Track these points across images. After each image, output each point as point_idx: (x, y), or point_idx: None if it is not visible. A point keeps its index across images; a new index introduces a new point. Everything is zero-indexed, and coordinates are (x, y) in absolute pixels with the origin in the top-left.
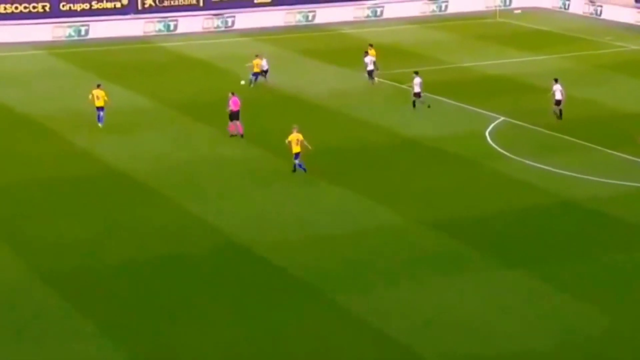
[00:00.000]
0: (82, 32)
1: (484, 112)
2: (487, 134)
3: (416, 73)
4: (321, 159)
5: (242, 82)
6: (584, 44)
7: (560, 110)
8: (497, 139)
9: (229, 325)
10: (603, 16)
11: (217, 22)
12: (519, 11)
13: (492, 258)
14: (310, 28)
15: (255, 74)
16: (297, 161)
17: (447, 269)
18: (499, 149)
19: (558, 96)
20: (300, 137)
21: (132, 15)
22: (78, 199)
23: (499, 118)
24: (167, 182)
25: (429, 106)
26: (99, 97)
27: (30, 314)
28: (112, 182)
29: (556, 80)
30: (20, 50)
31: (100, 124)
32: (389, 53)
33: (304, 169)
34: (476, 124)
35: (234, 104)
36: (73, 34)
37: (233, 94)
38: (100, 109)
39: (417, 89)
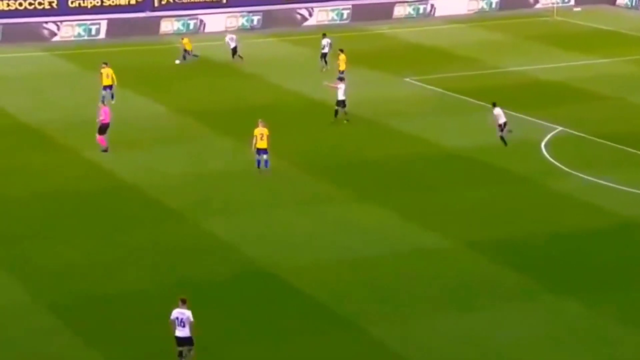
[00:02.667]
0: (93, 32)
1: (539, 121)
2: (542, 146)
3: (494, 105)
4: (355, 173)
5: (177, 62)
6: None
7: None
8: (554, 151)
9: (251, 356)
10: None
11: (242, 20)
12: (579, 9)
13: (544, 285)
14: (345, 28)
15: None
16: (265, 156)
17: (494, 297)
18: (556, 163)
19: (502, 120)
20: (265, 131)
21: (148, 13)
22: (85, 216)
23: (556, 128)
24: (183, 198)
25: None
26: (108, 75)
27: (33, 347)
28: (122, 198)
29: (494, 105)
30: (24, 51)
31: (107, 100)
32: (432, 56)
33: (267, 167)
34: (530, 135)
35: (105, 114)
36: (82, 33)
37: (103, 104)
38: (108, 87)
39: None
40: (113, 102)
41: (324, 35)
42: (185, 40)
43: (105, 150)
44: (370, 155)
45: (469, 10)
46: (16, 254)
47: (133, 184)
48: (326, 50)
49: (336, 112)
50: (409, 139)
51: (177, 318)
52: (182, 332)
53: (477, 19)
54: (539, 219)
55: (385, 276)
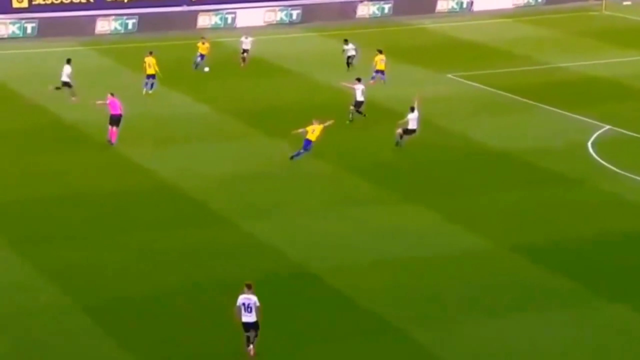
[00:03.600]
0: (130, 26)
1: (586, 119)
2: (589, 145)
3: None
4: (397, 174)
5: (207, 69)
6: None
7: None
8: (602, 151)
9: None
10: None
11: (280, 14)
12: (629, 2)
13: (594, 290)
14: (387, 22)
15: (202, 55)
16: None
17: (541, 302)
18: (604, 163)
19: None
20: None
21: (185, 7)
22: (123, 217)
23: (604, 127)
24: (224, 199)
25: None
26: (150, 64)
27: (66, 348)
28: (162, 199)
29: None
30: (61, 46)
31: (147, 90)
32: (475, 51)
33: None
34: (577, 134)
35: (112, 107)
36: (119, 27)
37: (112, 95)
38: (150, 76)
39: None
40: (151, 91)
41: (346, 42)
42: (200, 44)
43: (111, 143)
44: (413, 155)
45: (514, 5)
46: (54, 254)
47: (173, 184)
48: (352, 53)
49: (351, 112)
50: (453, 138)
51: (244, 304)
52: (249, 317)
53: (522, 13)
54: (588, 221)
55: (429, 279)
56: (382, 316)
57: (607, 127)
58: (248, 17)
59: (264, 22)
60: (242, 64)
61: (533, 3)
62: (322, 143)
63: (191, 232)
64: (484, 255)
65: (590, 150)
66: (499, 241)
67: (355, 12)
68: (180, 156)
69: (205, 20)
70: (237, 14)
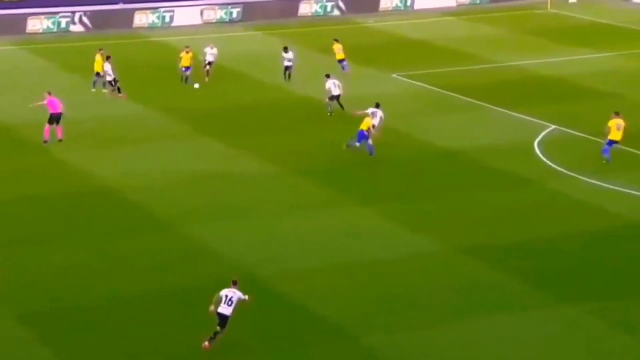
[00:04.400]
0: (63, 25)
1: (532, 119)
2: (535, 145)
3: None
4: (344, 175)
5: (196, 86)
6: None
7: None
8: (548, 151)
9: None
10: None
11: (220, 13)
12: (574, 1)
13: (545, 292)
14: (329, 21)
15: (187, 68)
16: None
17: (493, 305)
18: (550, 164)
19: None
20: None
21: (122, 5)
22: (63, 222)
23: (549, 127)
24: (166, 202)
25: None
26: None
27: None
28: (102, 202)
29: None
30: None
31: (47, 93)
32: (420, 50)
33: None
34: (523, 134)
35: (51, 105)
36: (52, 26)
37: (50, 93)
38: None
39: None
40: (94, 90)
41: (286, 49)
42: (184, 54)
43: (46, 142)
44: (364, 157)
45: (458, 3)
46: None
47: (114, 188)
48: (287, 64)
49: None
50: (402, 139)
51: (226, 295)
52: (226, 309)
53: (467, 11)
54: (537, 222)
55: (381, 283)
56: (333, 321)
57: (553, 126)
58: (186, 15)
59: (203, 20)
60: (206, 78)
61: (478, 1)
62: (271, 144)
63: (134, 237)
64: (435, 257)
65: (537, 150)
66: (450, 243)
67: (297, 11)
68: (120, 158)
69: (142, 18)
70: (175, 13)
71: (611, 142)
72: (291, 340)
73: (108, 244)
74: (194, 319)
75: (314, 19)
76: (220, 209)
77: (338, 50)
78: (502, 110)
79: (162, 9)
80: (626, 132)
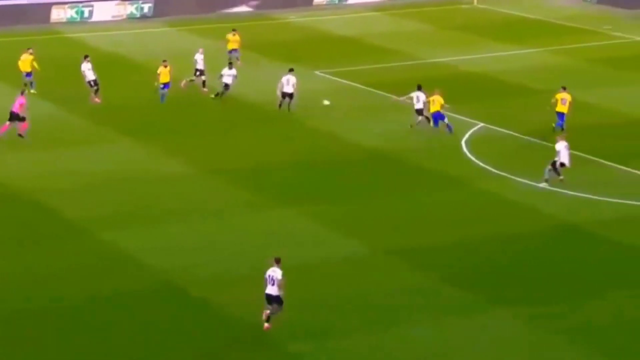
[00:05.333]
0: None
1: (460, 117)
2: (463, 143)
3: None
4: (268, 177)
5: (326, 102)
6: (577, 34)
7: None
8: (475, 150)
9: None
10: (596, 1)
11: (130, 8)
12: None
13: (477, 295)
14: (251, 16)
15: (166, 85)
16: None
17: (424, 308)
18: (479, 163)
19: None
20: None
21: None
22: None
23: (477, 124)
24: (81, 207)
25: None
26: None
27: None
28: (12, 207)
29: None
30: None
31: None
32: (344, 46)
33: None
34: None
35: (19, 104)
36: None
37: (22, 93)
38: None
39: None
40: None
41: (230, 66)
42: (162, 69)
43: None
44: (285, 157)
45: None
46: None
47: (25, 191)
48: (228, 80)
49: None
50: (326, 138)
51: (269, 276)
52: (271, 290)
53: (393, 6)
54: (465, 223)
55: (305, 287)
56: (257, 328)
57: (481, 124)
58: (100, 11)
59: (112, 16)
60: (202, 89)
61: None
62: (190, 145)
63: (47, 244)
64: (363, 260)
65: (465, 149)
66: (378, 245)
67: (215, 6)
68: (33, 161)
69: (59, 13)
70: (95, 7)
71: (559, 114)
72: (213, 349)
73: (19, 250)
74: (111, 326)
75: (236, 15)
76: (138, 213)
77: (234, 41)
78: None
79: (81, 4)
80: (552, 130)
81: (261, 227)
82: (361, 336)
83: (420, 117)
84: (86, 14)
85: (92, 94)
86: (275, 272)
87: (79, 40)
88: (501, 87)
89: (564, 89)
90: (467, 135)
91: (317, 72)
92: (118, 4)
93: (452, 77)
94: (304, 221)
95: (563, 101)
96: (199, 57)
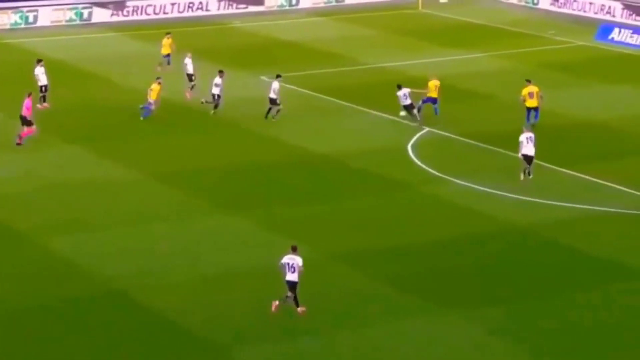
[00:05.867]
0: None
1: (405, 121)
2: (409, 148)
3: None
4: (210, 182)
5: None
6: (522, 39)
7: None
8: (421, 154)
9: None
10: (540, 5)
11: (69, 14)
12: (445, 0)
13: (424, 298)
14: (196, 21)
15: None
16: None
17: (371, 313)
18: (423, 166)
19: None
20: (437, 83)
21: None
22: None
23: (423, 129)
24: (24, 214)
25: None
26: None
27: None
28: None
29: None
30: None
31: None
32: (290, 52)
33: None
34: (397, 137)
35: (26, 107)
36: None
37: (29, 95)
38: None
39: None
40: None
41: (221, 73)
42: (155, 86)
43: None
44: (232, 162)
45: (326, 3)
46: None
47: None
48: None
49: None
50: (271, 143)
51: (288, 263)
52: (292, 276)
53: (337, 11)
54: (413, 226)
55: (247, 293)
56: (200, 334)
57: (427, 129)
58: (42, 16)
59: (51, 22)
60: (189, 95)
61: (345, 1)
62: (132, 150)
63: None
64: (308, 265)
65: (410, 152)
66: (323, 250)
67: (158, 10)
68: None
69: (3, 19)
70: (39, 12)
71: (529, 109)
72: (157, 357)
73: None
74: (51, 332)
75: (181, 19)
76: (80, 219)
77: (168, 44)
78: (375, 112)
79: (25, 9)
80: (498, 133)
81: (203, 232)
82: (308, 340)
83: (404, 113)
84: (31, 19)
85: (41, 99)
86: (294, 260)
87: (20, 45)
88: (447, 91)
89: (529, 82)
90: (413, 140)
91: (263, 78)
92: (56, 10)
93: (396, 82)
94: (247, 226)
95: (530, 95)
96: (188, 62)
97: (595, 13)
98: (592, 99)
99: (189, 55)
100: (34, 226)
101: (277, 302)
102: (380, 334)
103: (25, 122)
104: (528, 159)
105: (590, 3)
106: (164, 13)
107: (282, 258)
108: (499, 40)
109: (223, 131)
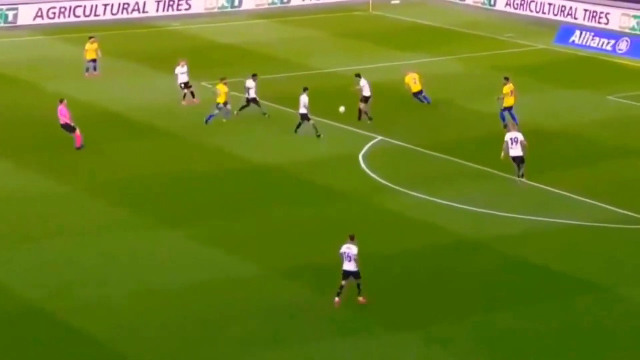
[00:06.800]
0: None
1: (356, 130)
2: (360, 158)
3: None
4: (147, 195)
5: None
6: (479, 42)
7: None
8: (374, 164)
9: None
10: (498, 7)
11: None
12: (397, 2)
13: (370, 316)
14: (128, 24)
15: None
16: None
17: (319, 330)
18: (376, 177)
19: (366, 92)
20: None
21: None
22: None
23: (375, 138)
24: None
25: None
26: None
27: None
28: None
29: (359, 76)
30: None
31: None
32: (229, 55)
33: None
34: (347, 147)
35: (61, 114)
36: None
37: (61, 101)
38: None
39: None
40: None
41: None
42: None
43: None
44: (167, 173)
45: (270, 4)
46: None
47: None
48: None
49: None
50: (210, 152)
51: (344, 253)
52: (349, 265)
53: (284, 13)
54: (363, 240)
55: (189, 311)
56: (138, 357)
57: (379, 137)
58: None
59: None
60: (193, 100)
61: (292, 3)
62: (64, 162)
63: None
64: (250, 280)
65: (362, 163)
66: (266, 264)
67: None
68: None
69: None
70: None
71: (506, 109)
72: None
73: None
74: None
75: (113, 22)
76: (6, 234)
77: (93, 50)
78: (323, 120)
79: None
80: (455, 141)
81: (139, 248)
82: (248, 358)
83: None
84: (10, 18)
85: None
86: (350, 249)
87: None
88: (400, 98)
89: (507, 79)
90: (364, 149)
91: (202, 84)
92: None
93: (346, 87)
94: (186, 240)
95: (512, 92)
96: (182, 70)
97: (555, 15)
98: (553, 104)
99: (182, 63)
100: None
101: (337, 299)
102: (321, 352)
103: (69, 128)
104: (517, 160)
105: (550, 4)
106: (95, 15)
107: (341, 248)
108: (455, 43)
109: (162, 140)
